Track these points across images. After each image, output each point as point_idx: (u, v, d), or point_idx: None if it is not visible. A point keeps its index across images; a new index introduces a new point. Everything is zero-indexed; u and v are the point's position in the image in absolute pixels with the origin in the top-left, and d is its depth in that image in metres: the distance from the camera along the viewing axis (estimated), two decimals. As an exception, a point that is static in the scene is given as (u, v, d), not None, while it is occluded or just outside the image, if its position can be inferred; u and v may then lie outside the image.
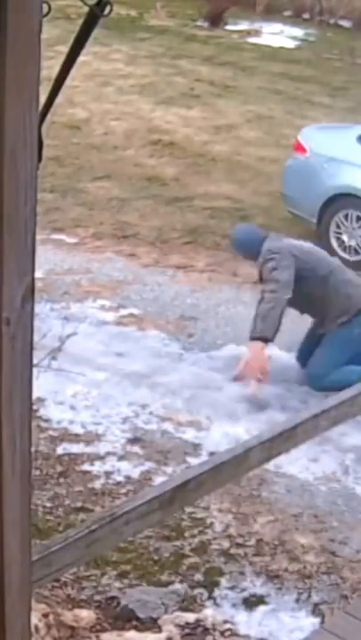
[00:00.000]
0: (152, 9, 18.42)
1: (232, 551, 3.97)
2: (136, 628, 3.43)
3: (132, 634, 3.37)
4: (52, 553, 2.28)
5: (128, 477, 4.49)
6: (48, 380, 4.96)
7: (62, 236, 7.85)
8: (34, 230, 1.64)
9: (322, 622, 3.52)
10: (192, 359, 5.83)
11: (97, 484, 4.41)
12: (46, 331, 4.83)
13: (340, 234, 7.69)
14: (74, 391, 5.25)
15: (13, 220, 1.58)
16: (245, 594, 3.72)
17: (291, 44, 17.91)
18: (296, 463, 4.66)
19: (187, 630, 3.44)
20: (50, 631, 3.21)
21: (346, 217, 7.65)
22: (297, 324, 5.66)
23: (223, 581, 3.77)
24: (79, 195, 8.92)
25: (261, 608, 3.64)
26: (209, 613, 3.55)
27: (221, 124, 11.53)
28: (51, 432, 4.84)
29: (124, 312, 6.45)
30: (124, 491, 4.36)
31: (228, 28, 18.54)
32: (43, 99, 1.68)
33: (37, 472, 4.38)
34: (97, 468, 4.55)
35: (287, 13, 20.67)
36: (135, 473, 4.53)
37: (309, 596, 3.73)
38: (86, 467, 4.56)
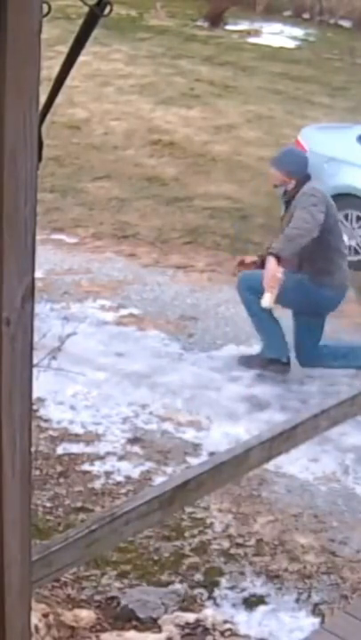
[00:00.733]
0: (152, 9, 18.41)
1: (232, 551, 3.97)
2: (136, 628, 3.43)
3: (132, 634, 3.37)
4: (52, 553, 2.28)
5: (128, 477, 4.49)
6: (48, 379, 4.96)
7: (62, 236, 7.85)
8: (34, 230, 1.64)
9: (322, 622, 3.52)
10: (192, 359, 5.83)
11: (97, 484, 4.41)
12: (46, 331, 4.83)
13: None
14: (74, 391, 5.25)
15: (13, 220, 1.58)
16: (245, 594, 3.72)
17: (291, 44, 17.90)
18: (296, 463, 4.66)
19: (187, 630, 3.44)
20: (50, 631, 3.21)
21: (346, 217, 7.65)
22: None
23: (223, 581, 3.78)
24: (79, 195, 8.92)
25: (261, 608, 3.64)
26: (209, 613, 3.55)
27: (221, 124, 11.53)
28: (51, 432, 4.84)
29: (123, 312, 6.45)
30: (124, 491, 4.36)
31: (228, 28, 18.53)
32: (43, 99, 1.68)
33: (37, 472, 4.38)
34: (97, 468, 4.55)
35: (287, 13, 20.65)
36: (135, 473, 4.54)
37: (309, 596, 3.73)
38: (86, 467, 4.56)
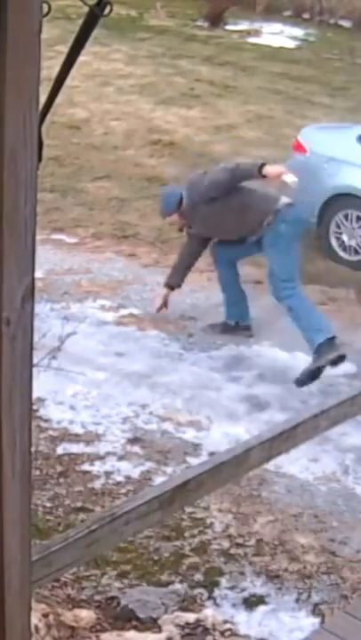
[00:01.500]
0: (152, 9, 18.40)
1: (232, 551, 3.97)
2: (136, 628, 3.43)
3: (132, 634, 3.37)
4: (52, 553, 2.29)
5: (128, 477, 4.49)
6: (48, 379, 4.96)
7: (62, 236, 7.84)
8: (34, 230, 1.63)
9: (322, 622, 3.52)
10: (192, 359, 5.83)
11: (97, 484, 4.41)
12: (46, 331, 4.83)
13: (341, 234, 7.69)
14: (74, 391, 5.25)
15: (13, 220, 1.58)
16: (245, 594, 3.72)
17: (291, 44, 17.89)
18: (296, 463, 4.66)
19: (187, 630, 3.44)
20: (50, 631, 3.21)
21: (346, 217, 7.65)
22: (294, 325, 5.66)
23: (223, 581, 3.78)
24: (79, 195, 8.91)
25: (261, 608, 3.64)
26: (209, 613, 3.55)
27: (221, 124, 11.52)
28: (51, 432, 4.84)
29: (123, 312, 6.45)
30: (124, 491, 4.36)
31: (228, 28, 18.52)
32: (43, 99, 1.68)
33: (37, 472, 4.38)
34: (97, 468, 4.55)
35: (287, 13, 20.63)
36: (135, 473, 4.54)
37: (309, 596, 3.73)
38: (86, 467, 4.56)
